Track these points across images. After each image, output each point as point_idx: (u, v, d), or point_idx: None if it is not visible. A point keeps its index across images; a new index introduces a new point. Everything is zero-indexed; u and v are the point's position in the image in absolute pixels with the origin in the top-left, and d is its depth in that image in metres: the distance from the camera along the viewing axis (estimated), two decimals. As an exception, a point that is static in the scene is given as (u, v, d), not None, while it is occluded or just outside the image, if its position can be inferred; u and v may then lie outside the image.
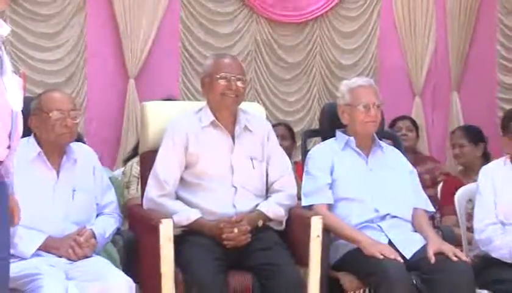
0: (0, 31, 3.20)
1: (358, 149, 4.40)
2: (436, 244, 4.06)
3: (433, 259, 3.96)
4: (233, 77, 4.11)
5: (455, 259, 3.95)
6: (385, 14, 7.32)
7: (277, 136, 5.35)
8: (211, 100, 4.17)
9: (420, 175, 4.77)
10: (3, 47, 3.17)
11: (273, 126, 5.80)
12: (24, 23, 6.41)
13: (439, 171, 6.03)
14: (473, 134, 5.60)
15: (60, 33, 6.52)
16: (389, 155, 4.50)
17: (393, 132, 5.74)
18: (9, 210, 3.26)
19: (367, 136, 4.41)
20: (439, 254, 3.98)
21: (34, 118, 3.93)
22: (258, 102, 6.51)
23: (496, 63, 6.83)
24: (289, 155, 5.47)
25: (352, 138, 4.40)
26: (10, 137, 3.13)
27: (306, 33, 7.18)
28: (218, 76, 4.10)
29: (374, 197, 4.27)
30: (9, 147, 3.16)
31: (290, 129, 6.45)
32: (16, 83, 3.23)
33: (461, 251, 4.21)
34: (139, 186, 4.54)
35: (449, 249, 4.01)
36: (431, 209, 4.48)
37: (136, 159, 4.94)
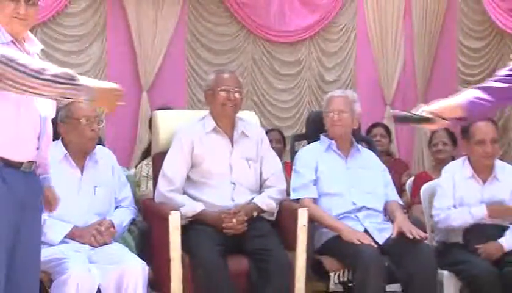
0: (34, 49, 3.20)
1: (338, 151, 4.41)
2: (402, 224, 4.09)
3: (395, 234, 4.03)
4: (231, 90, 4.12)
5: (410, 236, 3.98)
6: (361, 37, 7.30)
7: (271, 140, 5.37)
8: (214, 109, 4.17)
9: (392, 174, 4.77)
10: None
11: (268, 131, 5.83)
12: (53, 43, 6.40)
13: (405, 173, 6.00)
14: (453, 136, 5.61)
15: (83, 52, 6.52)
16: (365, 156, 4.51)
17: (369, 137, 5.75)
18: (44, 200, 3.28)
19: (336, 137, 4.40)
20: (407, 239, 4.00)
21: (64, 125, 3.93)
22: (255, 111, 6.49)
23: (456, 77, 6.81)
24: (280, 156, 5.48)
25: (333, 141, 4.41)
26: (38, 139, 3.13)
27: (296, 52, 7.16)
28: (219, 89, 4.11)
29: (352, 192, 4.28)
30: (38, 148, 3.15)
31: (282, 134, 6.46)
32: None
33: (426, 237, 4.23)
34: (148, 184, 4.54)
35: (407, 228, 4.04)
36: (401, 201, 4.50)
37: (145, 161, 4.95)
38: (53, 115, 3.25)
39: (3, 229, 3.00)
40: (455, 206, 4.33)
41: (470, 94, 3.05)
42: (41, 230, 3.30)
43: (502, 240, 4.19)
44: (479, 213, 4.22)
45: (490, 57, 6.38)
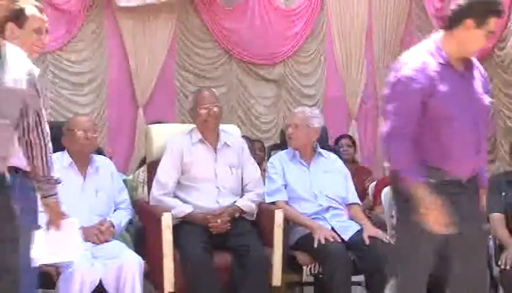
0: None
1: (301, 160, 4.37)
2: (371, 230, 4.09)
3: (367, 241, 4.00)
4: (210, 106, 4.11)
5: (386, 241, 4.00)
6: (329, 60, 7.32)
7: (255, 149, 5.37)
8: (198, 124, 4.17)
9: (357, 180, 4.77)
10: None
11: (252, 141, 5.81)
12: (61, 65, 6.40)
13: (368, 179, 6.00)
14: None
15: (86, 74, 6.51)
16: (329, 161, 4.46)
17: (336, 147, 5.77)
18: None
19: (295, 148, 4.36)
20: (371, 237, 4.02)
21: (66, 137, 3.93)
22: (240, 124, 6.50)
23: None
24: (261, 164, 5.47)
25: (296, 152, 4.38)
26: None
27: (274, 72, 7.16)
28: (199, 108, 4.11)
29: (317, 196, 4.26)
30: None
31: (263, 145, 6.44)
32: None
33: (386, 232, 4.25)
34: (144, 189, 4.53)
35: (381, 235, 4.06)
36: (359, 202, 4.49)
37: (142, 169, 4.93)
38: None
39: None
40: None
41: None
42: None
43: None
44: None
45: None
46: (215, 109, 4.13)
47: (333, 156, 4.55)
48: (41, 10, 3.14)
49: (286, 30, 7.12)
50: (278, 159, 4.41)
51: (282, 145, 4.78)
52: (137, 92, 6.62)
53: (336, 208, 4.27)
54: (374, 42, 7.32)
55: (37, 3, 3.17)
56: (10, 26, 3.04)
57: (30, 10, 3.09)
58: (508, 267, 3.84)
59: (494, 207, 4.20)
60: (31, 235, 3.09)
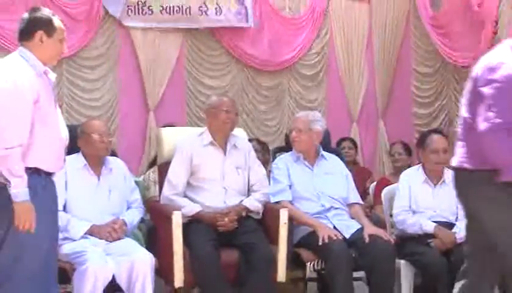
0: (51, 76, 3.22)
1: (305, 162, 4.37)
2: (370, 229, 4.09)
3: (367, 239, 3.99)
4: (231, 111, 4.13)
5: (386, 238, 4.00)
6: (331, 65, 7.32)
7: (265, 150, 5.37)
8: (213, 125, 4.16)
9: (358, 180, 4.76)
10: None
11: (262, 143, 5.80)
12: (76, 72, 6.40)
13: (369, 180, 6.00)
14: (408, 148, 5.64)
15: (100, 80, 6.51)
16: (331, 163, 4.46)
17: (338, 149, 5.76)
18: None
19: (299, 151, 4.36)
20: (371, 235, 4.01)
21: (81, 139, 3.93)
22: (244, 127, 6.49)
23: (411, 98, 6.85)
24: (266, 165, 5.46)
25: (300, 154, 4.38)
26: (64, 152, 3.18)
27: (277, 78, 7.15)
28: (221, 109, 4.11)
29: (320, 196, 4.26)
30: (64, 160, 3.19)
31: (268, 147, 6.42)
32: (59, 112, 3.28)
33: (386, 230, 4.25)
34: (155, 189, 4.53)
35: (381, 232, 4.06)
36: (361, 202, 4.49)
37: (152, 169, 4.93)
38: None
39: (45, 227, 3.03)
40: (410, 207, 4.33)
41: None
42: (58, 229, 3.36)
43: (455, 231, 4.17)
44: (428, 229, 4.18)
45: (437, 81, 6.45)
46: (233, 116, 4.14)
47: (335, 158, 4.55)
48: (61, 21, 3.19)
49: (291, 38, 7.11)
50: (283, 160, 4.41)
51: (287, 148, 4.77)
52: (148, 97, 6.62)
53: (337, 208, 4.27)
54: (374, 50, 7.31)
55: (56, 15, 3.20)
56: (40, 34, 3.06)
57: (57, 21, 3.13)
58: None
59: None
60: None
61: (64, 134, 3.21)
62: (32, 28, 3.09)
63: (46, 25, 3.10)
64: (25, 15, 3.15)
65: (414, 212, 4.30)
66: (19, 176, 2.92)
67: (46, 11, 3.16)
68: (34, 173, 3.01)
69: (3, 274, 3.01)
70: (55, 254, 3.25)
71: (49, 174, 3.13)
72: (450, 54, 6.07)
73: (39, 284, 3.06)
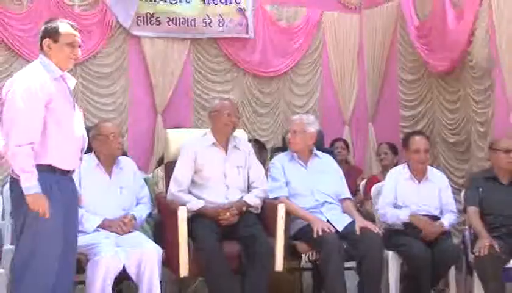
0: (71, 82, 3.23)
1: (299, 161, 4.38)
2: (362, 222, 4.09)
3: (358, 232, 3.99)
4: (233, 114, 4.12)
5: (375, 231, 4.00)
6: (324, 72, 7.30)
7: (264, 151, 5.36)
8: (216, 127, 4.15)
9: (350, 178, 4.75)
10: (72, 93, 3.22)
11: (262, 144, 5.78)
12: (89, 78, 6.39)
13: (359, 177, 5.98)
14: (393, 148, 5.63)
15: (112, 85, 6.50)
16: (324, 162, 4.46)
17: (331, 149, 5.76)
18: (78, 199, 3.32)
19: (294, 151, 4.37)
20: (362, 228, 4.01)
21: (95, 140, 3.92)
22: (244, 128, 6.48)
23: (397, 103, 6.83)
24: (263, 164, 5.45)
25: (295, 154, 4.38)
26: (81, 152, 3.19)
27: (274, 84, 7.13)
28: (224, 112, 4.10)
29: (314, 192, 4.26)
30: (80, 159, 3.19)
31: (265, 147, 6.41)
32: (80, 115, 3.27)
33: (375, 224, 4.24)
34: (163, 185, 4.53)
35: (371, 226, 4.06)
36: (351, 197, 4.49)
37: (161, 167, 4.93)
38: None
39: (60, 224, 3.02)
40: (395, 203, 4.33)
41: None
42: (77, 224, 3.32)
43: (442, 221, 4.21)
44: (404, 218, 4.23)
45: (422, 87, 6.44)
46: (235, 119, 4.13)
47: (328, 157, 4.54)
48: (73, 27, 3.18)
49: (288, 47, 7.11)
50: (279, 159, 4.42)
51: (284, 148, 4.77)
52: (156, 101, 6.61)
53: (330, 203, 4.27)
54: (365, 57, 7.30)
55: (71, 22, 3.21)
56: (47, 42, 3.09)
57: (64, 27, 3.13)
58: (481, 254, 3.83)
59: (470, 200, 4.21)
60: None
61: (81, 135, 3.21)
62: (41, 38, 3.16)
63: (52, 33, 3.14)
64: (41, 27, 3.20)
65: (399, 207, 4.30)
66: (28, 172, 2.93)
67: (55, 21, 3.19)
68: (48, 170, 3.01)
69: (20, 267, 3.01)
70: (73, 248, 3.24)
71: (65, 172, 3.12)
72: (433, 62, 6.08)
73: (55, 276, 3.05)
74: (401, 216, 4.24)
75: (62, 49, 3.13)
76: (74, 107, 3.21)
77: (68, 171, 3.14)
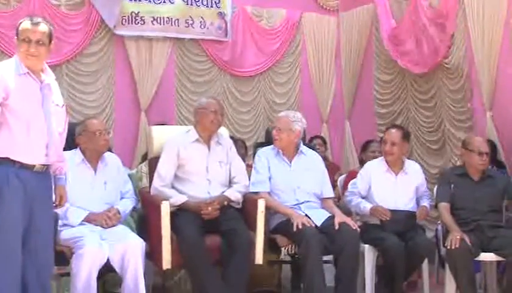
0: (49, 78, 3.18)
1: (284, 158, 4.32)
2: (340, 217, 4.07)
3: (337, 226, 3.98)
4: (219, 112, 4.09)
5: (353, 227, 4.00)
6: (303, 71, 7.34)
7: (240, 147, 5.34)
8: (202, 124, 4.10)
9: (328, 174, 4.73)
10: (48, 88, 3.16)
11: (236, 140, 5.77)
12: (74, 76, 6.34)
13: (337, 173, 5.97)
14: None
15: (96, 83, 6.46)
16: (309, 159, 4.40)
17: (311, 145, 5.75)
18: (55, 195, 3.26)
19: (281, 148, 4.30)
20: (340, 223, 4.00)
21: (82, 137, 3.88)
22: (225, 126, 6.45)
23: (373, 101, 6.87)
24: (243, 159, 5.43)
25: (280, 150, 4.33)
26: (47, 148, 3.09)
27: (254, 83, 7.14)
28: (210, 110, 4.07)
29: (296, 191, 4.22)
30: (46, 155, 3.10)
31: (245, 144, 6.40)
32: (61, 112, 3.18)
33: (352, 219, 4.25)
34: (147, 180, 4.50)
35: (349, 221, 4.06)
36: (333, 195, 4.48)
37: (144, 163, 4.89)
38: (64, 130, 3.22)
39: (18, 214, 2.98)
40: (364, 197, 4.35)
41: None
42: (52, 216, 3.27)
43: (423, 204, 4.29)
44: (365, 208, 4.25)
45: (396, 87, 6.48)
46: (220, 117, 4.11)
47: (313, 154, 4.49)
48: (35, 24, 3.07)
49: (268, 47, 7.12)
50: (264, 153, 4.35)
51: (267, 143, 4.74)
52: (140, 98, 6.57)
53: (311, 201, 4.24)
54: (342, 58, 7.34)
55: (38, 18, 3.12)
56: (15, 39, 3.11)
57: (23, 24, 3.08)
58: (452, 247, 3.86)
59: (441, 197, 4.23)
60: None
61: (48, 130, 3.10)
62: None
63: (16, 30, 3.10)
64: None
65: (366, 199, 4.32)
66: None
67: (25, 18, 3.12)
68: (7, 163, 2.97)
69: None
70: (47, 241, 3.17)
71: (27, 166, 3.05)
72: (406, 63, 6.13)
73: (19, 268, 2.99)
74: (364, 208, 4.25)
75: (20, 45, 3.07)
76: (43, 103, 3.11)
77: (34, 166, 3.07)
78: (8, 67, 3.04)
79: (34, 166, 3.06)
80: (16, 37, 3.10)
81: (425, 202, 4.32)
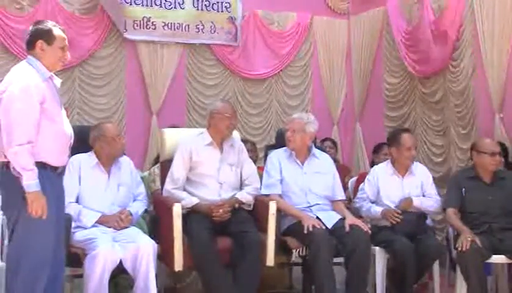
0: (57, 81, 3.23)
1: (296, 160, 4.32)
2: (351, 219, 4.08)
3: (347, 228, 3.99)
4: (233, 117, 4.13)
5: (364, 229, 4.00)
6: (315, 74, 7.34)
7: (250, 150, 5.36)
8: (216, 127, 4.12)
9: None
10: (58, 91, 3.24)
11: (247, 142, 5.78)
12: (86, 79, 6.39)
13: (347, 176, 5.96)
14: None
15: (108, 86, 6.49)
16: (322, 162, 4.39)
17: (322, 147, 5.76)
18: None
19: (294, 149, 4.30)
20: (350, 225, 4.01)
21: (98, 141, 3.92)
22: (236, 128, 6.47)
23: (383, 103, 6.86)
24: (255, 162, 5.44)
25: (293, 152, 4.33)
26: (69, 149, 3.18)
27: (265, 85, 7.16)
28: (226, 115, 4.09)
29: (307, 194, 4.23)
30: (69, 156, 3.19)
31: (255, 146, 6.40)
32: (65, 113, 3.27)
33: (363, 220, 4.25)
34: (159, 182, 4.52)
35: (360, 223, 4.06)
36: (344, 198, 4.47)
37: (157, 165, 4.92)
38: None
39: (53, 215, 3.02)
40: (374, 199, 4.36)
41: None
42: (64, 220, 3.34)
43: (414, 199, 4.30)
44: (376, 212, 4.27)
45: (404, 89, 6.48)
46: (234, 122, 4.14)
47: (326, 157, 4.48)
48: (63, 31, 3.18)
49: (279, 50, 7.13)
50: (276, 155, 4.35)
51: (278, 145, 4.73)
52: (151, 101, 6.60)
53: (322, 204, 4.24)
54: (352, 61, 7.33)
55: (60, 27, 3.20)
56: (40, 43, 3.07)
57: (57, 30, 3.13)
58: (463, 249, 3.85)
59: (449, 202, 4.22)
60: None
61: (69, 132, 3.20)
62: (33, 39, 3.14)
63: (46, 35, 3.13)
64: (30, 28, 3.19)
65: (376, 203, 4.33)
66: (29, 170, 2.94)
67: (47, 23, 3.17)
68: (41, 168, 3.01)
69: (14, 262, 3.00)
70: (61, 242, 3.22)
71: (54, 169, 3.11)
72: (414, 66, 6.15)
73: (47, 270, 3.04)
74: (375, 212, 4.27)
75: (55, 51, 3.13)
76: (61, 105, 3.21)
77: (57, 168, 3.14)
78: (33, 74, 3.07)
79: (58, 168, 3.13)
80: (42, 41, 3.11)
81: (418, 199, 4.30)
